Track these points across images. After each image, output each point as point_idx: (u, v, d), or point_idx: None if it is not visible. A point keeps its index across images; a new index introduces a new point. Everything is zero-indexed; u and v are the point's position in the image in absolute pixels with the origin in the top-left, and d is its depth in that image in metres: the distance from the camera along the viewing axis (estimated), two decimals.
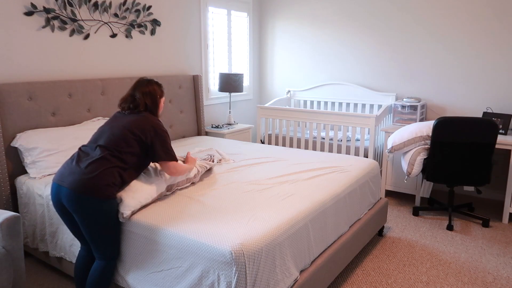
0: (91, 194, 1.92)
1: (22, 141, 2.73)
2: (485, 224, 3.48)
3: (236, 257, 1.71)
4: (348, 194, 2.64)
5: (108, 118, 3.35)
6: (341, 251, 2.47)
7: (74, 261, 2.41)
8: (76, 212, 1.95)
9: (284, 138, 4.62)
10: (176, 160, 2.24)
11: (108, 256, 2.06)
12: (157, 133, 2.16)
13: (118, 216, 2.05)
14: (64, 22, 3.14)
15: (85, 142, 2.70)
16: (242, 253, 1.72)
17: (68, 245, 2.43)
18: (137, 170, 2.16)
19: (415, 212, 3.73)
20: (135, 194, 2.09)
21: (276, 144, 4.68)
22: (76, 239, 2.30)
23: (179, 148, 3.60)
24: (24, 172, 2.81)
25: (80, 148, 2.11)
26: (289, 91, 5.21)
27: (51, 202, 2.45)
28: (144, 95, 2.23)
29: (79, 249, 2.24)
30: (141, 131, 2.12)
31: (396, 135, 3.64)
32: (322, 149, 4.34)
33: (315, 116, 4.31)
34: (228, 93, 4.72)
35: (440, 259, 2.92)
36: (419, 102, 4.10)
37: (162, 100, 2.35)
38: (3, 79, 2.85)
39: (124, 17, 3.60)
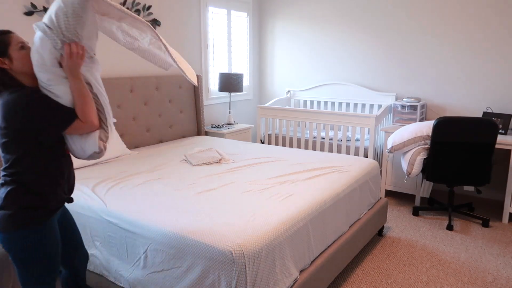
0: (3, 231, 1.54)
1: None
2: (485, 224, 3.48)
3: (236, 257, 1.71)
4: (348, 194, 2.64)
5: None
6: (341, 251, 2.47)
7: None
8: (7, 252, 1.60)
9: (284, 138, 4.62)
10: (76, 117, 1.54)
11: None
12: (22, 114, 1.48)
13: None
14: None
15: None
16: (242, 253, 1.72)
17: None
18: (53, 159, 1.60)
19: (415, 212, 3.73)
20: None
21: (276, 144, 4.68)
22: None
23: (179, 148, 3.60)
24: None
25: None
26: (289, 91, 5.21)
27: None
28: None
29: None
30: (6, 124, 1.50)
31: (396, 135, 3.64)
32: (322, 149, 4.35)
33: (315, 116, 4.31)
34: (228, 93, 4.72)
35: (440, 259, 2.92)
36: (419, 102, 4.10)
37: (11, 49, 1.53)
38: None
39: None
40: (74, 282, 1.89)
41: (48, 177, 1.59)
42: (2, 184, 1.56)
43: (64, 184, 1.67)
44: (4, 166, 1.55)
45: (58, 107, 1.54)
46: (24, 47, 1.56)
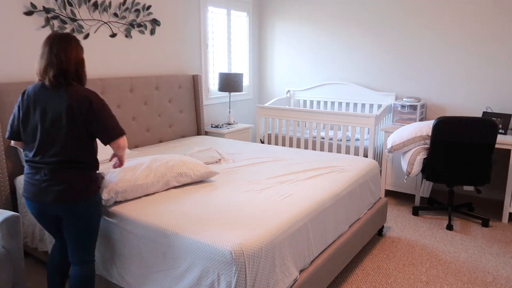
0: (80, 198, 1.87)
1: None
2: (485, 224, 3.48)
3: (236, 257, 1.71)
4: (347, 193, 2.64)
5: None
6: (340, 251, 2.47)
7: None
8: (72, 221, 1.90)
9: (284, 138, 4.62)
10: (125, 133, 1.97)
11: (91, 259, 2.01)
12: (101, 108, 1.87)
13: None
14: (64, 22, 3.14)
15: None
16: (242, 253, 1.72)
17: None
18: (95, 151, 1.99)
19: (415, 212, 3.73)
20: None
21: (276, 144, 4.68)
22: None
23: (179, 148, 3.60)
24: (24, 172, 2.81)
25: (36, 161, 1.88)
26: (288, 91, 5.21)
27: None
28: (74, 62, 1.87)
29: (54, 243, 2.17)
30: (83, 114, 1.83)
31: (396, 134, 3.64)
32: (322, 149, 4.35)
33: (315, 116, 4.31)
34: (228, 92, 4.72)
35: (440, 258, 2.92)
36: (419, 102, 4.10)
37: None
38: (2, 79, 2.85)
39: (124, 17, 3.60)
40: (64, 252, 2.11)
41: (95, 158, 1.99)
42: (68, 168, 1.86)
43: None
44: (73, 160, 1.86)
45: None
46: None
